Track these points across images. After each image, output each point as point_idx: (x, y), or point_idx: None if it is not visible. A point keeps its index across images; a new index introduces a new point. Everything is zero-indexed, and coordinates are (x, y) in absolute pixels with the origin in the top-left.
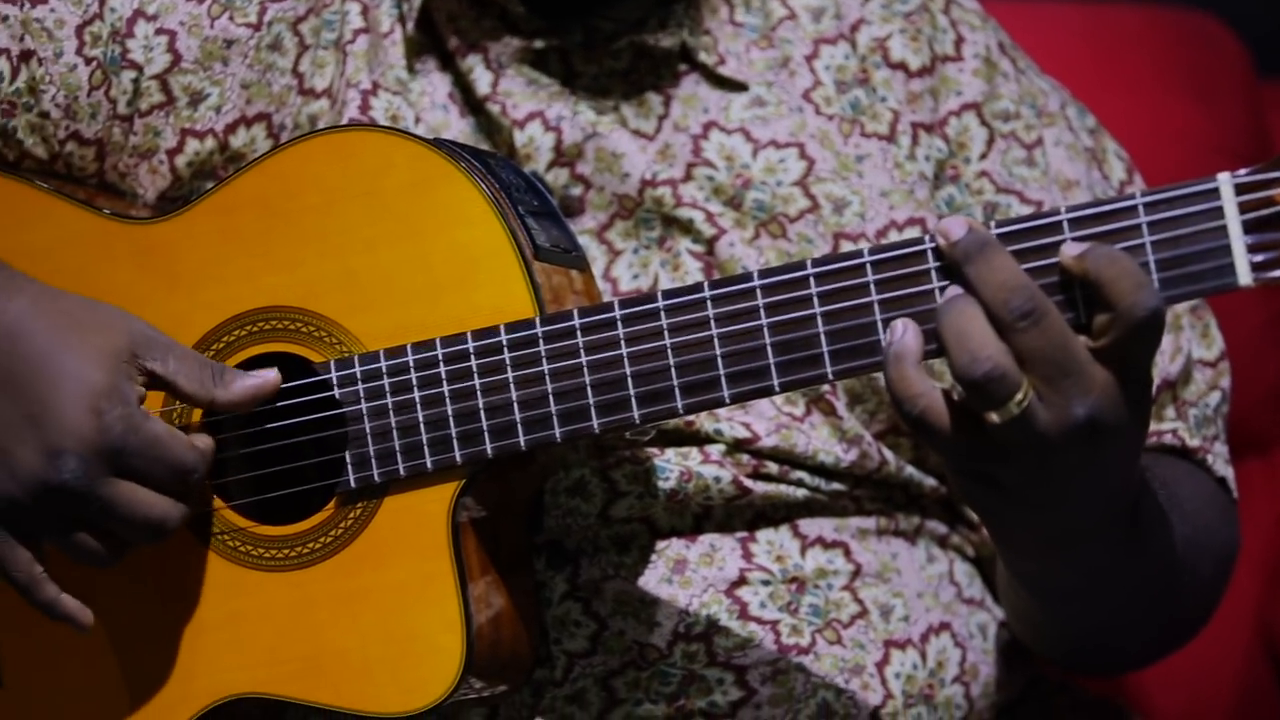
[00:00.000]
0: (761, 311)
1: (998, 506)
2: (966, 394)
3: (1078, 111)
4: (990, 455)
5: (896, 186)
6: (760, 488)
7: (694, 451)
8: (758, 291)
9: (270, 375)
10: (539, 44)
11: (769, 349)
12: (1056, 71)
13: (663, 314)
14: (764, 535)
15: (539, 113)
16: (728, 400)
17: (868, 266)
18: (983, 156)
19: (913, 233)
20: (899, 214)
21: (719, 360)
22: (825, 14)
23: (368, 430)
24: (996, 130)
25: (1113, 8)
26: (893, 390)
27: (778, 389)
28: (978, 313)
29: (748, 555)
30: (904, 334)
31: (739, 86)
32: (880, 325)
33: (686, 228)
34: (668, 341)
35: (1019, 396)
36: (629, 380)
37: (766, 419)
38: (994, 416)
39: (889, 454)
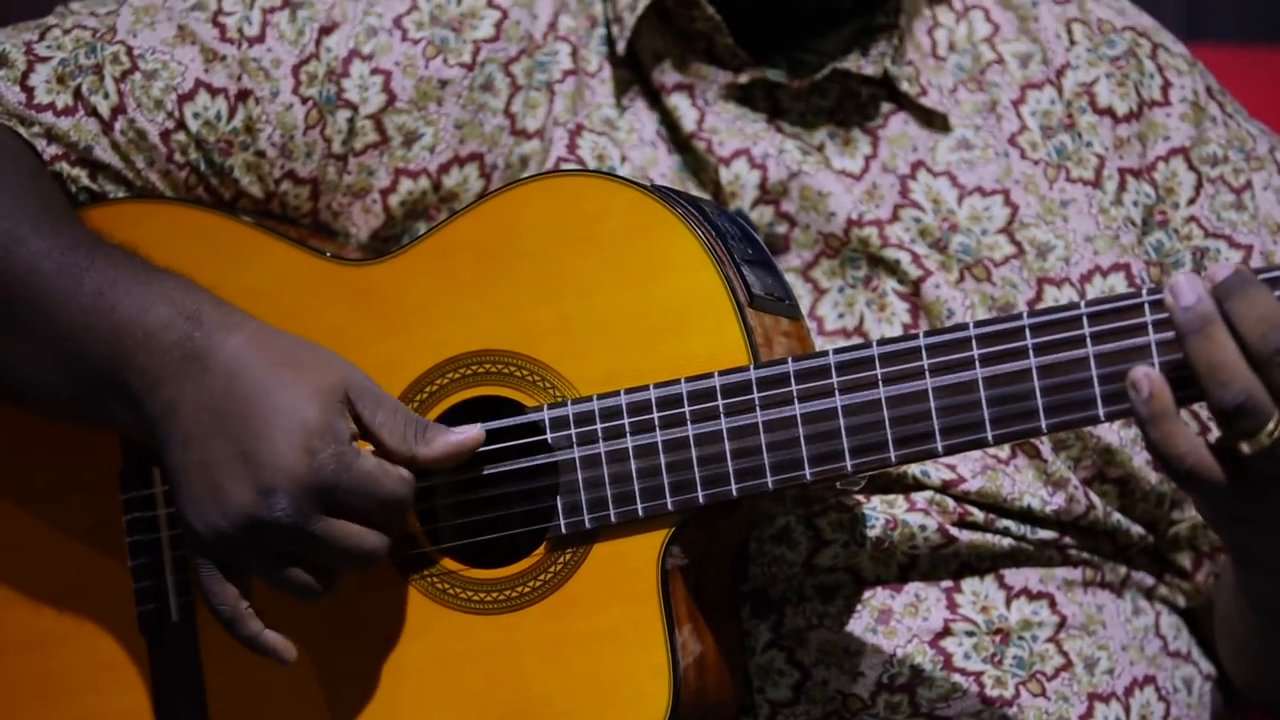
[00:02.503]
0: (977, 363)
1: (1250, 540)
2: (1219, 424)
3: None
4: (1246, 494)
5: (1101, 232)
6: (966, 536)
7: (900, 499)
8: (973, 342)
9: (472, 432)
10: (744, 79)
11: (983, 402)
12: (1262, 118)
13: (878, 363)
14: (969, 585)
15: (745, 150)
16: (941, 452)
17: (1084, 319)
18: (1191, 201)
19: (1117, 278)
20: (1103, 259)
21: (933, 412)
22: (1033, 59)
23: (580, 477)
24: (1204, 175)
25: None
26: (1158, 450)
27: (991, 441)
28: (1231, 343)
29: (953, 606)
30: (1156, 388)
31: (942, 120)
32: (1096, 379)
33: (892, 268)
34: (882, 393)
35: (1270, 427)
36: (842, 431)
37: (972, 460)
38: (1245, 447)
39: (1096, 499)
